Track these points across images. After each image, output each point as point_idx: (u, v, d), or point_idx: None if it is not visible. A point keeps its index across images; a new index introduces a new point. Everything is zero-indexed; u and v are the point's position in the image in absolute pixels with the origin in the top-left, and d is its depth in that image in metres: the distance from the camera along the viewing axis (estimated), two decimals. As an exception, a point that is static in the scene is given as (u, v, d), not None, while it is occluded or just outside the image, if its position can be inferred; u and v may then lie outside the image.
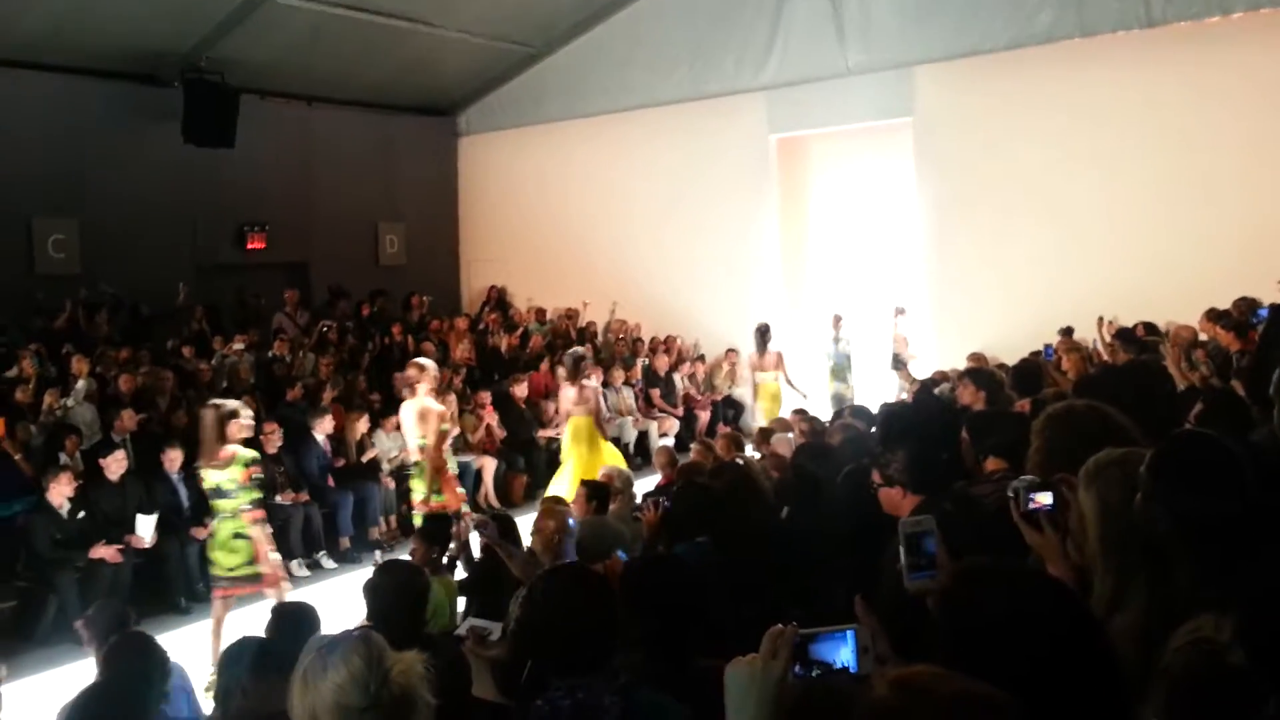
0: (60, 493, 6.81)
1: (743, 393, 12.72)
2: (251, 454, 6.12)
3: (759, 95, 12.28)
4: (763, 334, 10.93)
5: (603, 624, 2.53)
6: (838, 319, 11.83)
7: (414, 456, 7.21)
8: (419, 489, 7.16)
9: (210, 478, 6.03)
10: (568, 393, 8.24)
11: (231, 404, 6.22)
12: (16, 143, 10.49)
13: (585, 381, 8.21)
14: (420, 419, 7.03)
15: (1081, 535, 2.10)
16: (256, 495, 6.07)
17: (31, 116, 10.67)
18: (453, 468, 7.60)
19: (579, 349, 8.57)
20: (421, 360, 7.54)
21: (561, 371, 8.85)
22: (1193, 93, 9.66)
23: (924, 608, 2.18)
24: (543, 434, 10.94)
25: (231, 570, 6.02)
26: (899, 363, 7.84)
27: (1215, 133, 9.52)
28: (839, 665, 1.64)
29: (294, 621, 3.81)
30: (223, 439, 5.94)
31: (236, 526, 6.00)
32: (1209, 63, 9.60)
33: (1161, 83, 9.82)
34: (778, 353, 10.97)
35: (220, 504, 6.03)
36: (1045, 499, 2.20)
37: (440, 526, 5.45)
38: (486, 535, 5.07)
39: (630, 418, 11.76)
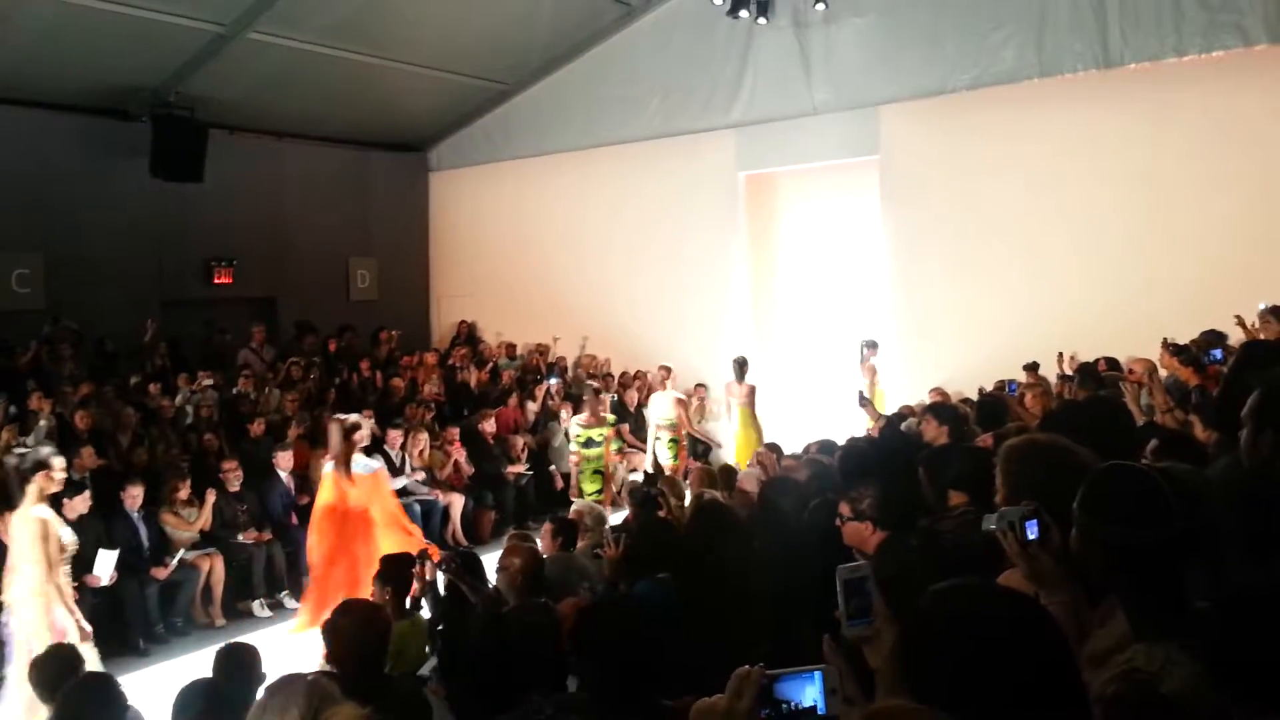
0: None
1: (713, 427, 12.72)
2: (613, 416, 9.61)
3: (728, 133, 12.42)
4: (871, 346, 11.64)
5: (506, 664, 2.50)
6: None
7: (655, 433, 10.01)
8: (666, 456, 9.86)
9: (584, 432, 8.99)
10: (736, 388, 10.46)
11: (595, 383, 10.05)
12: (-19, 175, 10.40)
13: (749, 381, 10.41)
14: (679, 404, 10.05)
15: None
16: (618, 444, 9.61)
17: (-4, 149, 10.59)
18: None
19: (743, 355, 10.69)
20: (667, 365, 10.78)
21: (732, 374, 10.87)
22: (1152, 131, 9.87)
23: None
24: (512, 470, 10.88)
25: (591, 494, 8.70)
26: (863, 399, 7.92)
27: (1175, 169, 9.72)
28: (805, 705, 1.63)
29: (238, 664, 3.74)
30: (597, 404, 9.16)
31: (598, 465, 8.96)
32: (1167, 102, 9.83)
33: (1122, 121, 10.03)
34: (872, 365, 11.53)
35: (587, 451, 8.98)
36: (1034, 528, 2.20)
37: (398, 567, 5.37)
38: (450, 571, 5.02)
39: (599, 453, 11.73)
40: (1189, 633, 1.75)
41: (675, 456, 9.87)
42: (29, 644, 5.30)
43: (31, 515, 5.48)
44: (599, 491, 8.82)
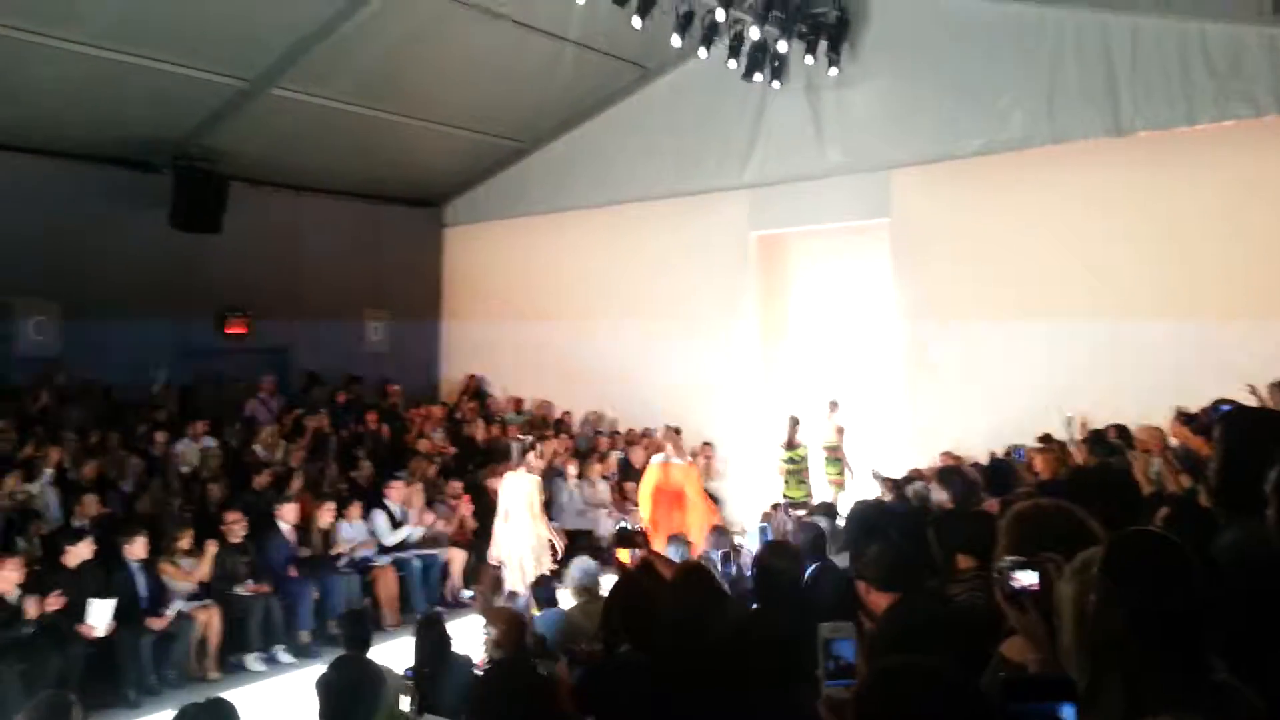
0: (6, 579, 6.61)
1: (718, 486, 12.62)
2: (805, 447, 11.33)
3: (740, 193, 12.50)
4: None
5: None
6: None
7: (821, 452, 11.77)
8: (831, 474, 11.70)
9: (786, 453, 11.15)
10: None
11: (795, 414, 11.36)
12: (1, 222, 10.50)
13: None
14: (839, 432, 11.86)
15: (1059, 624, 2.07)
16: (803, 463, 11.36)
17: (18, 199, 10.72)
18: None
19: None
20: (835, 400, 12.00)
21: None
22: (1166, 195, 9.84)
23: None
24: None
25: (799, 496, 10.85)
26: (874, 473, 8.03)
27: (1190, 233, 9.67)
28: None
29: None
30: (794, 431, 11.14)
31: (800, 476, 11.13)
32: (1181, 167, 9.80)
33: (1134, 186, 10.02)
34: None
35: (789, 466, 11.13)
36: (1030, 579, 2.16)
37: (359, 624, 5.30)
38: (480, 599, 5.05)
39: (604, 510, 11.62)
40: (1209, 704, 1.72)
41: (840, 472, 11.75)
42: (520, 563, 8.29)
43: (530, 477, 8.59)
44: (806, 495, 11.03)
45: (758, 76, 11.25)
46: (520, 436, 9.53)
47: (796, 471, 11.27)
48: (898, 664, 1.81)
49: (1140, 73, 9.85)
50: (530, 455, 8.84)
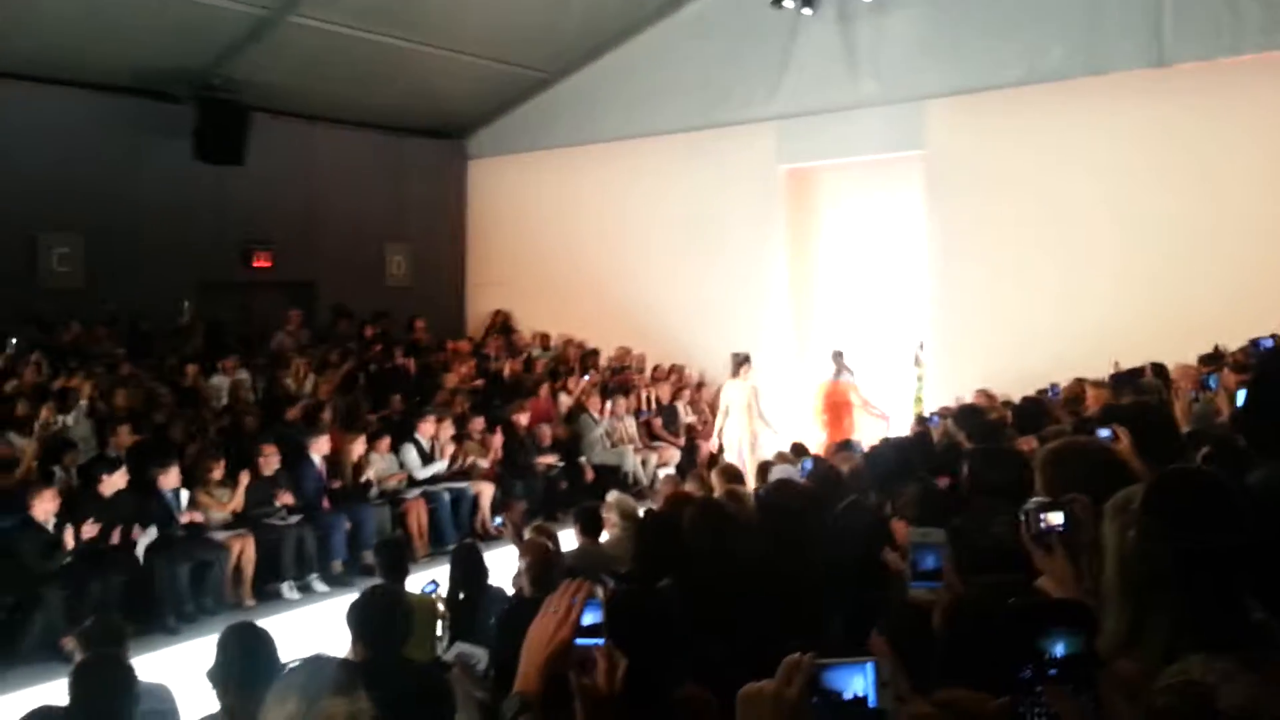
0: (44, 509, 6.75)
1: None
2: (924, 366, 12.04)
3: (769, 125, 12.27)
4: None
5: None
6: None
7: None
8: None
9: (917, 373, 12.05)
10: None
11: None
12: (24, 155, 10.53)
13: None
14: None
15: (1099, 565, 2.04)
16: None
17: (41, 129, 10.73)
18: None
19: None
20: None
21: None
22: (1205, 131, 9.63)
23: (931, 640, 2.15)
24: (543, 460, 10.84)
25: (917, 411, 11.22)
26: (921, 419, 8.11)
27: (1227, 171, 9.47)
28: (853, 696, 1.58)
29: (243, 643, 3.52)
30: (919, 357, 11.97)
31: (918, 394, 11.88)
32: (1221, 102, 9.57)
33: (1173, 121, 9.79)
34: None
35: (917, 384, 11.93)
36: (1056, 519, 2.15)
37: (395, 553, 5.37)
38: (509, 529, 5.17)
39: (631, 446, 11.68)
40: (1247, 642, 1.70)
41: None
42: (740, 452, 10.41)
43: (747, 384, 10.87)
44: (920, 407, 11.59)
45: (788, 3, 10.98)
46: (736, 352, 11.42)
47: (919, 388, 12.23)
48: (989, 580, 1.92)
49: (1185, 2, 9.53)
50: (744, 367, 10.94)
